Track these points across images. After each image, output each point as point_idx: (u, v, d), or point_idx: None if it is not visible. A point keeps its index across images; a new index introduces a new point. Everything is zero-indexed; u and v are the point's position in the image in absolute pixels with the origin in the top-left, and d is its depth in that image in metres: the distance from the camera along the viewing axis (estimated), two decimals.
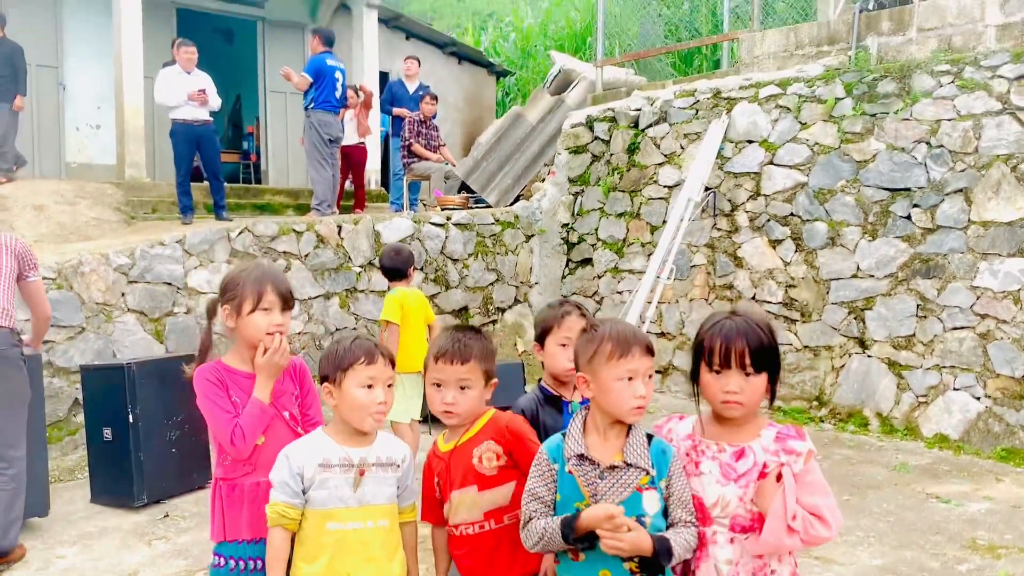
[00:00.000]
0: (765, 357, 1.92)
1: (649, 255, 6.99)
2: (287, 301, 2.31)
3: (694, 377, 2.00)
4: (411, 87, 9.59)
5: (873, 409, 5.96)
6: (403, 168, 8.84)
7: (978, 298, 5.54)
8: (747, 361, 1.90)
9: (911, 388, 5.80)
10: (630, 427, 1.97)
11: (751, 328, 1.94)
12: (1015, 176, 5.40)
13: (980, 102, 5.58)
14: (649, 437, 1.97)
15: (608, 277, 7.69)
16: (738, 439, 1.96)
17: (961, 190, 5.63)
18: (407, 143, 8.73)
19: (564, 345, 2.37)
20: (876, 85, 6.05)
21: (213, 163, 7.59)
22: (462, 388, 2.15)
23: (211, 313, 2.37)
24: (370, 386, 2.09)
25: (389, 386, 2.15)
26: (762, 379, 1.93)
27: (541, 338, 2.45)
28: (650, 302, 6.68)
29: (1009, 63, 5.47)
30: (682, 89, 7.34)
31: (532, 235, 8.03)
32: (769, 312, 6.55)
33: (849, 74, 6.21)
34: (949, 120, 5.71)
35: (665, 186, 7.31)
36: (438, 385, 2.17)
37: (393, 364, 2.19)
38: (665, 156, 7.33)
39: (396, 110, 9.41)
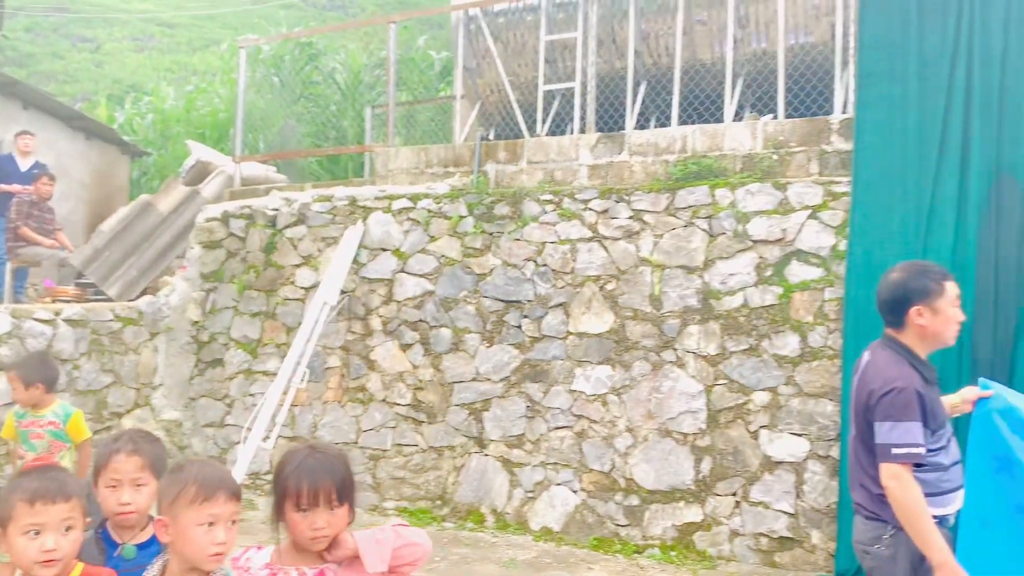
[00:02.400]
0: (347, 490, 2.06)
1: (284, 356, 6.92)
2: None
3: (277, 512, 2.05)
4: (25, 164, 8.69)
5: (489, 506, 6.39)
6: (6, 253, 7.91)
7: (575, 400, 6.26)
8: (333, 497, 2.01)
9: (521, 484, 6.33)
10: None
11: (333, 465, 2.06)
12: (603, 295, 6.24)
13: (575, 229, 6.41)
14: None
15: (240, 379, 7.46)
16: (318, 562, 2.06)
17: (561, 304, 6.38)
18: (14, 225, 7.85)
19: (112, 487, 2.28)
20: (493, 207, 6.71)
21: None
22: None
23: None
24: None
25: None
26: (345, 509, 2.07)
27: (95, 477, 2.34)
28: (283, 404, 6.58)
29: (597, 198, 6.38)
30: (320, 194, 7.51)
31: (158, 333, 7.57)
32: (399, 414, 6.79)
33: (471, 195, 6.82)
34: (552, 243, 6.48)
35: (302, 287, 7.35)
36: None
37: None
38: (303, 258, 7.39)
39: (3, 187, 8.44)
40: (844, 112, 5.88)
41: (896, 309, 2.84)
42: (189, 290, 7.73)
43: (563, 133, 7.18)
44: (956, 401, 3.14)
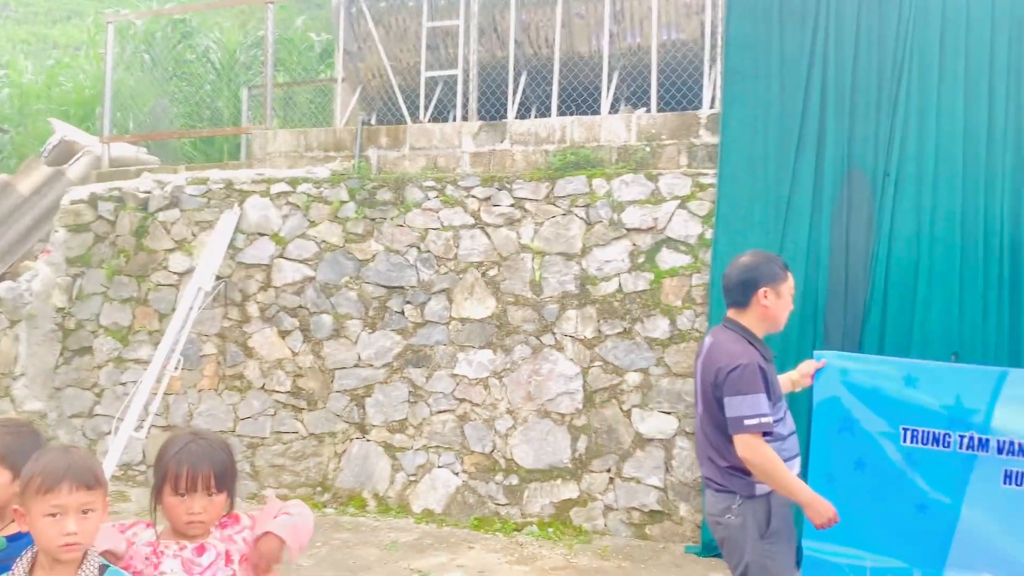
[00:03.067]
0: (227, 478, 2.09)
1: (157, 344, 6.71)
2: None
3: (157, 496, 2.09)
4: None
5: (371, 490, 6.42)
6: None
7: (457, 384, 6.35)
8: (211, 484, 2.04)
9: (403, 468, 6.39)
10: (84, 559, 1.92)
11: (214, 452, 2.09)
12: (485, 281, 6.36)
13: (458, 216, 6.50)
14: (104, 567, 1.94)
15: (111, 367, 7.19)
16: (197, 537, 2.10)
17: (444, 290, 6.46)
18: None
19: None
20: (376, 192, 6.70)
21: None
22: None
23: None
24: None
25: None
26: (223, 497, 2.10)
27: None
28: (156, 393, 6.40)
29: (480, 186, 6.48)
30: (194, 176, 7.30)
31: (19, 320, 7.19)
32: (277, 401, 6.72)
33: (353, 180, 6.79)
34: (435, 229, 6.54)
35: (175, 273, 7.13)
36: None
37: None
38: (176, 242, 7.17)
39: None
40: (712, 107, 6.18)
41: (745, 290, 3.07)
42: (53, 275, 7.37)
43: (446, 120, 7.24)
44: (795, 376, 3.43)
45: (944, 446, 3.28)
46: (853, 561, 3.38)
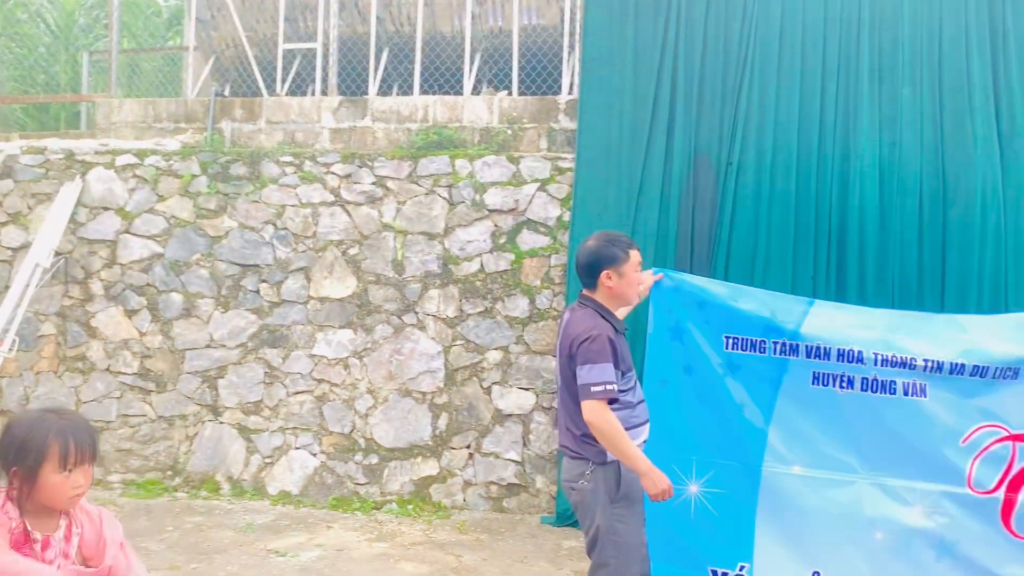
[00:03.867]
0: (97, 447, 2.13)
1: None
2: None
3: (29, 477, 2.00)
4: None
5: (225, 474, 6.27)
6: None
7: (316, 365, 6.28)
8: (93, 454, 2.08)
9: (259, 450, 6.26)
10: None
11: (84, 422, 2.12)
12: (345, 259, 6.30)
13: (317, 193, 6.39)
14: None
15: None
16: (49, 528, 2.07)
17: (302, 269, 6.35)
18: None
19: None
20: (229, 167, 6.49)
21: None
22: None
23: None
24: None
25: None
26: (93, 467, 2.13)
27: None
28: None
29: (340, 162, 6.40)
30: (30, 145, 6.82)
31: None
32: (124, 383, 6.42)
33: (205, 154, 6.54)
34: (293, 206, 6.41)
35: (9, 248, 6.66)
36: None
37: None
38: (10, 215, 6.69)
39: None
40: (570, 93, 6.35)
41: (590, 273, 3.25)
42: None
43: (304, 94, 7.08)
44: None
45: (760, 351, 3.58)
46: (680, 456, 3.65)
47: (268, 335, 6.35)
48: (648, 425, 3.29)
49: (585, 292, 3.29)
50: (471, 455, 6.03)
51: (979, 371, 3.36)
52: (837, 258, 5.31)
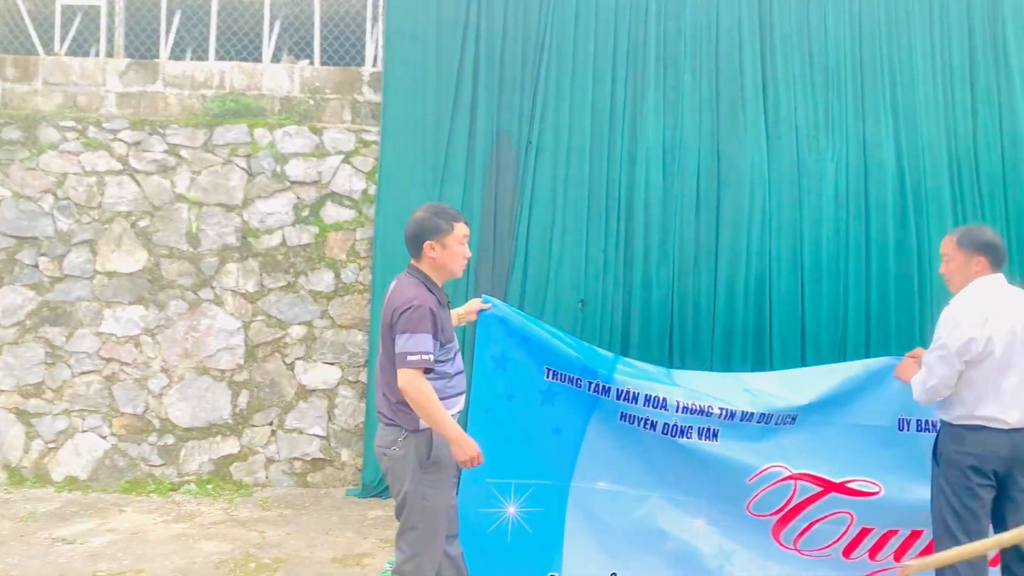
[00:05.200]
0: None
1: None
2: None
3: None
4: None
5: (2, 461, 5.81)
6: None
7: (104, 343, 5.93)
8: None
9: (40, 435, 5.85)
10: None
11: None
12: (135, 232, 5.97)
13: (103, 161, 6.01)
14: None
15: None
16: None
17: (87, 241, 5.96)
18: None
19: None
20: (1, 130, 5.96)
21: None
22: None
23: None
24: None
25: None
26: None
27: None
28: None
29: (128, 129, 6.04)
30: None
31: None
32: None
33: None
34: (75, 174, 5.99)
35: None
36: None
37: None
38: None
39: None
40: (375, 65, 6.33)
41: (415, 243, 3.32)
42: None
43: (87, 55, 6.59)
44: (463, 312, 3.78)
45: (576, 386, 3.84)
46: (500, 480, 3.83)
47: (49, 312, 5.92)
48: (464, 396, 3.42)
49: (412, 262, 3.36)
50: (273, 432, 5.95)
51: (764, 418, 3.80)
52: (626, 233, 5.67)
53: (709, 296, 5.61)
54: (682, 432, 3.78)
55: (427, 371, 3.15)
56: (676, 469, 3.84)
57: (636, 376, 3.89)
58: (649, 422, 3.79)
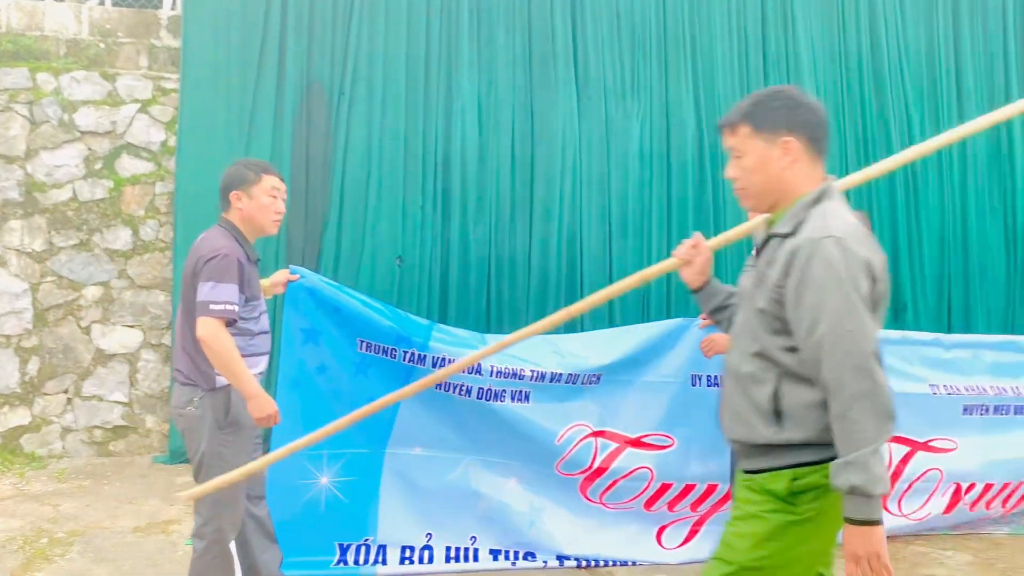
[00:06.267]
0: None
1: None
2: None
3: None
4: None
5: None
6: None
7: None
8: None
9: None
10: None
11: None
12: None
13: None
14: None
15: None
16: None
17: None
18: None
19: None
20: None
21: None
22: None
23: None
24: None
25: None
26: None
27: None
28: None
29: None
30: None
31: None
32: None
33: None
34: None
35: None
36: None
37: None
38: None
39: None
40: (173, 8, 5.93)
41: (224, 194, 3.20)
42: None
43: None
44: (268, 284, 3.64)
45: (391, 357, 3.80)
46: (312, 451, 3.76)
47: None
48: (267, 358, 3.30)
49: (223, 215, 3.22)
50: (70, 400, 5.55)
51: (572, 378, 3.93)
52: (443, 188, 5.67)
53: (525, 251, 5.72)
54: (496, 396, 3.85)
55: (229, 325, 3.03)
56: (490, 433, 3.92)
57: (451, 343, 3.91)
58: (464, 388, 3.83)
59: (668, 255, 5.65)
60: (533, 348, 4.02)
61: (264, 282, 3.63)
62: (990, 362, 4.41)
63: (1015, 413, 4.35)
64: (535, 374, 3.90)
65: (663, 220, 5.83)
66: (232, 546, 3.18)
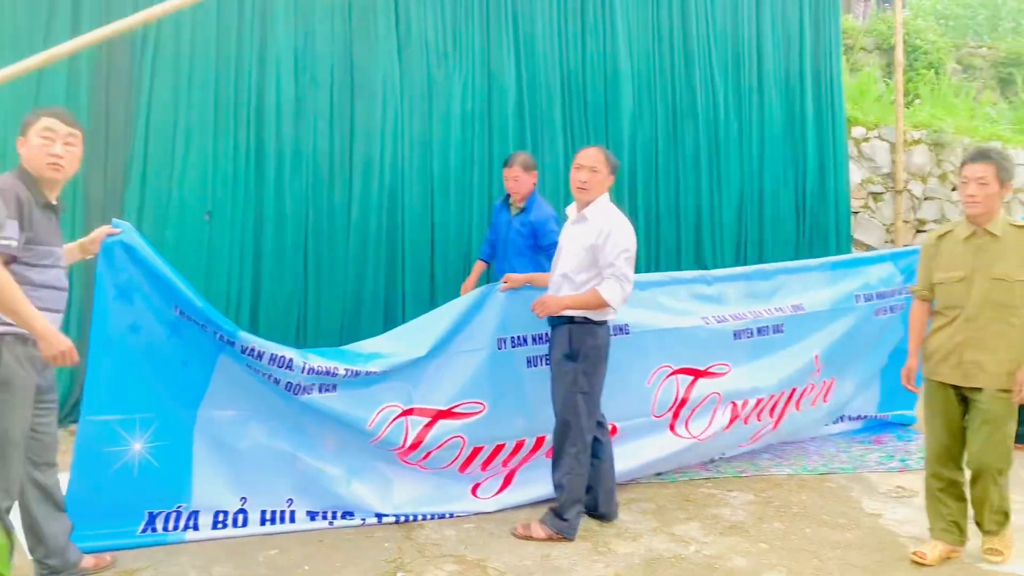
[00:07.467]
0: None
1: None
2: None
3: None
4: None
5: None
6: None
7: None
8: None
9: None
10: None
11: None
12: None
13: None
14: None
15: None
16: None
17: None
18: None
19: None
20: None
21: None
22: None
23: None
24: None
25: None
26: None
27: None
28: None
29: None
30: None
31: None
32: None
33: None
34: None
35: None
36: None
37: None
38: None
39: None
40: None
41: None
42: None
43: None
44: (86, 242, 3.38)
45: (204, 329, 3.62)
46: (124, 416, 3.54)
47: None
48: (60, 318, 3.03)
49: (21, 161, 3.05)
50: None
51: (385, 376, 3.88)
52: (256, 140, 5.44)
53: (344, 207, 5.62)
54: (304, 390, 3.76)
55: (8, 264, 2.78)
56: (299, 416, 3.85)
57: (259, 337, 3.80)
58: (272, 378, 3.72)
59: (488, 215, 5.80)
60: (349, 356, 3.97)
61: (81, 240, 3.38)
62: (746, 291, 4.82)
63: (774, 332, 4.75)
64: (349, 372, 3.84)
65: (484, 179, 5.90)
66: (16, 514, 2.95)
